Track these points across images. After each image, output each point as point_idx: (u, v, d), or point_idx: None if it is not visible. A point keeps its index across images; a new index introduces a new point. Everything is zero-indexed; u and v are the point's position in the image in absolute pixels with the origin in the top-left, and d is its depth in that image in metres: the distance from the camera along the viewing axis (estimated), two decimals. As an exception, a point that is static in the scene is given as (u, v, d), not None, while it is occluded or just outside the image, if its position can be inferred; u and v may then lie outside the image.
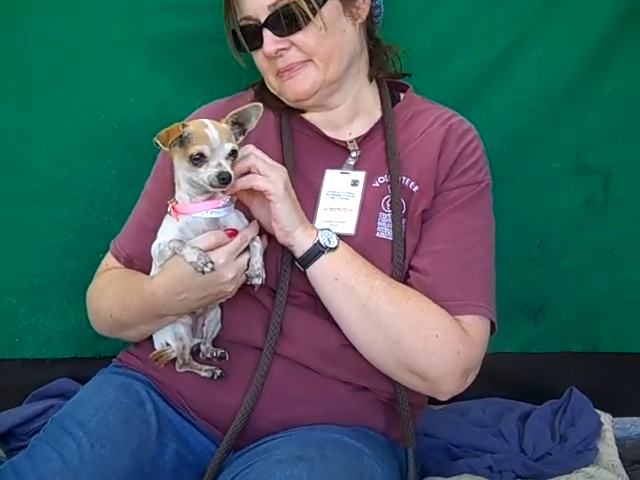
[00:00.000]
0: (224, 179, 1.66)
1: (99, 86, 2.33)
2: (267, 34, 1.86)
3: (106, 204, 2.38)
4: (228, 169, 1.66)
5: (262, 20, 1.86)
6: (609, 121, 2.37)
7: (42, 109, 2.34)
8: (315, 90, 1.91)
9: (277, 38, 1.86)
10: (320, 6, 1.85)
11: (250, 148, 1.76)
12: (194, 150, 1.66)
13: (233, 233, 1.74)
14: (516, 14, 2.29)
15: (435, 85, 2.24)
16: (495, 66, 2.33)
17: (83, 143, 2.36)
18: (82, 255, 2.37)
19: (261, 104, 1.77)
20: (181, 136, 1.68)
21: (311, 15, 1.84)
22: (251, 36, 1.90)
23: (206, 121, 1.71)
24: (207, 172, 1.66)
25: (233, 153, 1.69)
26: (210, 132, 1.67)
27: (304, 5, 1.83)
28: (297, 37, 1.86)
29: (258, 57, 1.94)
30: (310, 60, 1.89)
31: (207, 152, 1.66)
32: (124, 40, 2.31)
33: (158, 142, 1.68)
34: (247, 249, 1.76)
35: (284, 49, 1.87)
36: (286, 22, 1.84)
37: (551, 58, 2.31)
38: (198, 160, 1.67)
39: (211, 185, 1.67)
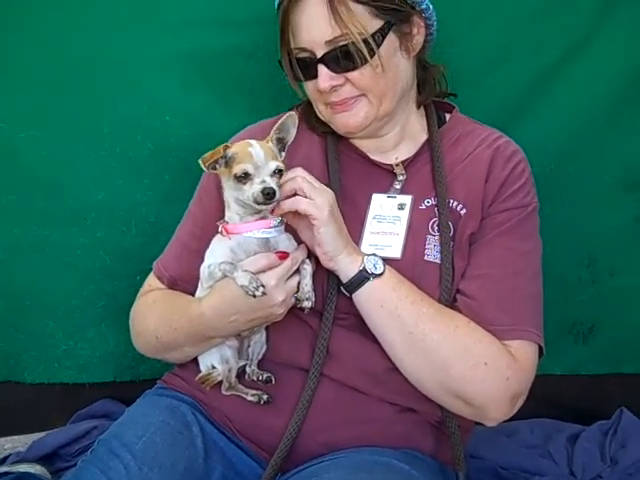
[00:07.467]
0: (268, 194, 1.82)
1: (135, 104, 2.48)
2: (322, 70, 1.98)
3: (142, 226, 2.54)
4: (272, 185, 1.83)
5: (318, 55, 1.97)
6: (661, 136, 2.47)
7: (77, 130, 2.49)
8: (366, 125, 2.05)
9: (332, 74, 1.98)
10: (378, 46, 1.96)
11: (298, 171, 1.90)
12: (238, 169, 1.85)
13: (284, 256, 1.90)
14: (562, 29, 2.42)
15: (480, 101, 2.38)
16: (542, 82, 2.46)
17: (119, 164, 2.51)
18: (118, 277, 2.53)
19: (294, 113, 1.91)
20: (225, 157, 1.86)
21: (369, 57, 1.95)
22: (304, 68, 2.03)
23: (251, 141, 1.89)
24: (252, 189, 1.83)
25: (278, 171, 1.86)
26: (254, 150, 1.85)
27: (362, 47, 1.93)
28: (353, 74, 1.98)
29: (309, 86, 2.07)
30: (364, 95, 2.02)
31: (251, 170, 1.84)
32: (160, 57, 2.46)
33: (201, 164, 1.85)
34: (297, 272, 1.92)
35: (339, 85, 2.00)
36: (343, 61, 1.96)
37: (599, 73, 2.43)
38: (242, 178, 1.84)
39: (256, 202, 1.84)
